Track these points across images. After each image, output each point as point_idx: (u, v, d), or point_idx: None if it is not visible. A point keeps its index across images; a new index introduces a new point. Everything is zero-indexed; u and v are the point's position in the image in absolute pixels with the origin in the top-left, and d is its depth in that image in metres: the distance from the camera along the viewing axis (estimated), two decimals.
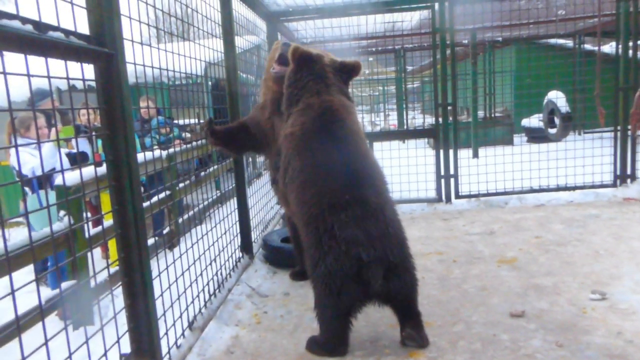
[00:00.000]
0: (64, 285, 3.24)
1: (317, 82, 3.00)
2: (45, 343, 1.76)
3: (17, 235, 6.50)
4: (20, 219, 5.80)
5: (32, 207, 4.20)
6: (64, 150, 4.67)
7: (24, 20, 1.61)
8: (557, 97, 11.29)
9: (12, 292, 1.63)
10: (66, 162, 4.46)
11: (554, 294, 3.35)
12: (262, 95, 3.74)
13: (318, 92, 2.97)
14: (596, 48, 7.46)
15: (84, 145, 4.98)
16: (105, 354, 2.11)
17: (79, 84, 6.32)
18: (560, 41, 12.66)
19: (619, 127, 6.27)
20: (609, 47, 11.14)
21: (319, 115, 2.87)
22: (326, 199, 2.62)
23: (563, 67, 10.51)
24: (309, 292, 3.62)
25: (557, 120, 11.62)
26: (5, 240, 1.67)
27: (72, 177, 3.54)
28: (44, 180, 4.19)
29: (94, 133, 3.38)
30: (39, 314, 2.26)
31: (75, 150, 4.71)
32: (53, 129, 4.99)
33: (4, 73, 1.54)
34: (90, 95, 2.39)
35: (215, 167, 6.19)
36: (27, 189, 4.62)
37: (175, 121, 6.26)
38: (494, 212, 5.81)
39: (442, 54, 6.26)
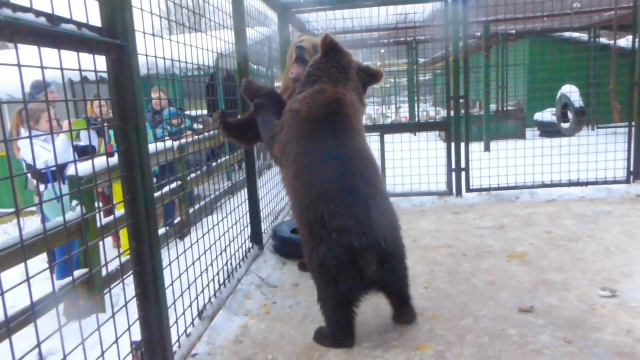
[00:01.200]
0: (76, 273, 3.30)
1: (339, 72, 3.00)
2: (60, 329, 1.79)
3: (32, 225, 6.60)
4: (34, 209, 5.86)
5: (47, 199, 4.24)
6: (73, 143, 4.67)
7: (38, 13, 1.63)
8: (571, 92, 11.14)
9: (28, 280, 1.66)
10: (71, 154, 4.47)
11: (563, 290, 3.33)
12: (282, 90, 3.75)
13: (336, 81, 2.97)
14: (612, 42, 7.36)
15: (91, 138, 4.98)
16: (116, 342, 2.14)
17: (91, 76, 6.36)
18: (575, 35, 12.48)
19: (633, 123, 6.19)
20: (625, 41, 10.96)
21: (326, 104, 2.85)
22: (316, 190, 2.64)
23: (577, 61, 10.36)
24: None
25: (570, 115, 11.49)
26: (20, 229, 1.70)
27: (84, 168, 3.58)
28: (57, 174, 4.21)
29: (106, 124, 3.40)
30: (53, 301, 2.31)
31: (82, 144, 4.73)
32: (65, 122, 5.02)
33: (19, 65, 1.56)
34: (102, 87, 2.41)
35: (227, 158, 6.22)
36: (36, 182, 4.63)
37: (187, 112, 6.29)
38: (505, 206, 5.78)
39: (455, 46, 6.21)
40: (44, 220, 2.21)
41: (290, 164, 2.84)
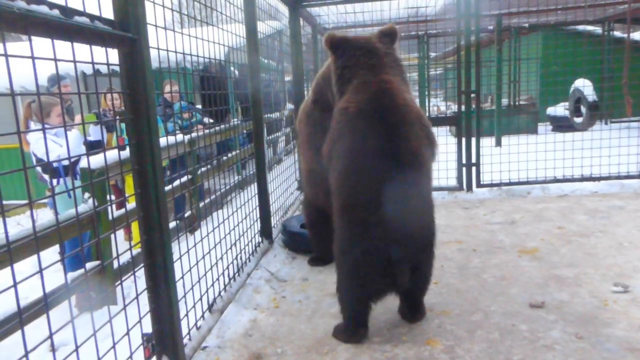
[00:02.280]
0: (88, 265, 3.32)
1: (370, 57, 2.83)
2: (72, 320, 1.81)
3: (44, 216, 6.65)
4: (45, 201, 5.89)
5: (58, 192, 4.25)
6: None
7: (51, 6, 1.64)
8: (584, 86, 11.03)
9: (40, 271, 1.68)
10: (83, 150, 4.47)
11: (575, 286, 3.31)
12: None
13: (373, 67, 2.80)
14: (626, 35, 7.26)
15: (98, 133, 4.99)
16: (127, 333, 2.16)
17: (104, 69, 6.38)
18: (589, 28, 12.32)
19: None
20: (639, 35, 10.80)
21: (375, 97, 2.66)
22: (368, 189, 2.55)
23: (591, 54, 10.23)
24: (327, 278, 3.65)
25: (583, 109, 11.37)
26: (33, 220, 1.72)
27: (96, 161, 3.60)
28: (70, 169, 4.22)
29: (117, 117, 3.42)
30: (65, 292, 2.33)
31: (90, 138, 4.73)
32: (77, 116, 5.03)
33: (32, 57, 1.57)
34: (115, 80, 2.42)
35: (237, 152, 6.23)
36: (46, 176, 4.64)
37: (197, 106, 6.30)
38: (516, 201, 5.74)
39: (467, 40, 6.15)
40: (56, 212, 2.23)
41: (340, 160, 2.71)
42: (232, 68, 5.56)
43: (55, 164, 4.22)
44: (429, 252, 2.81)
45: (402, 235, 2.53)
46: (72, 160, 4.00)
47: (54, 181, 4.44)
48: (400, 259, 2.54)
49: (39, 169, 4.66)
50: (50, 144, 4.32)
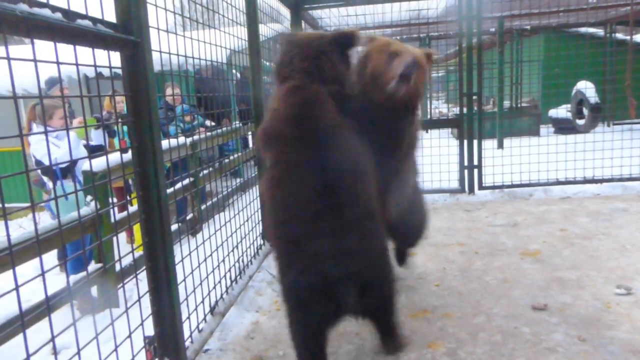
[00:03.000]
0: (90, 268, 3.33)
1: (303, 61, 2.54)
2: (74, 323, 1.81)
3: (46, 219, 6.65)
4: (42, 205, 5.89)
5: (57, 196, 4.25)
6: (82, 142, 4.68)
7: (54, 9, 1.64)
8: (586, 88, 11.02)
9: (42, 274, 1.68)
10: (84, 153, 4.48)
11: (577, 288, 3.30)
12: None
13: (305, 73, 2.51)
14: (628, 37, 7.25)
15: (99, 138, 5.00)
16: (129, 336, 2.16)
17: (106, 72, 6.38)
18: (591, 30, 12.32)
19: None
20: None
21: (300, 103, 2.41)
22: (295, 205, 2.28)
23: (593, 56, 10.22)
24: None
25: (585, 111, 11.36)
26: (35, 223, 1.72)
27: (98, 164, 3.60)
28: (68, 171, 4.23)
29: (119, 120, 3.42)
30: (67, 296, 2.33)
31: (92, 143, 4.74)
32: (76, 120, 5.04)
33: (35, 60, 1.57)
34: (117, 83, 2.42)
35: (238, 154, 6.23)
36: (46, 178, 4.65)
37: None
38: (518, 203, 5.73)
39: (468, 42, 6.15)
40: (58, 215, 2.23)
41: (269, 168, 2.45)
42: (233, 70, 5.57)
43: (53, 167, 4.25)
44: (380, 267, 2.42)
45: (338, 251, 2.21)
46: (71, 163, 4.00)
47: (50, 183, 4.46)
48: (340, 277, 2.19)
49: (39, 171, 4.68)
50: (50, 146, 4.33)
